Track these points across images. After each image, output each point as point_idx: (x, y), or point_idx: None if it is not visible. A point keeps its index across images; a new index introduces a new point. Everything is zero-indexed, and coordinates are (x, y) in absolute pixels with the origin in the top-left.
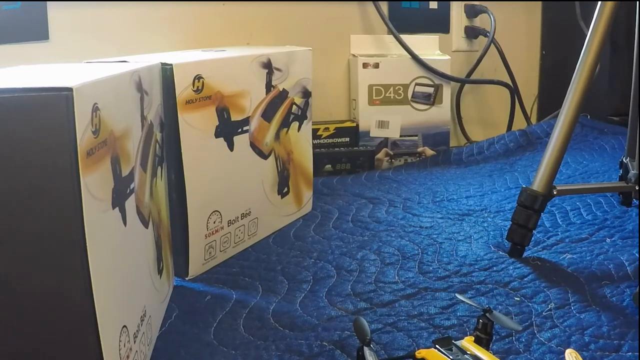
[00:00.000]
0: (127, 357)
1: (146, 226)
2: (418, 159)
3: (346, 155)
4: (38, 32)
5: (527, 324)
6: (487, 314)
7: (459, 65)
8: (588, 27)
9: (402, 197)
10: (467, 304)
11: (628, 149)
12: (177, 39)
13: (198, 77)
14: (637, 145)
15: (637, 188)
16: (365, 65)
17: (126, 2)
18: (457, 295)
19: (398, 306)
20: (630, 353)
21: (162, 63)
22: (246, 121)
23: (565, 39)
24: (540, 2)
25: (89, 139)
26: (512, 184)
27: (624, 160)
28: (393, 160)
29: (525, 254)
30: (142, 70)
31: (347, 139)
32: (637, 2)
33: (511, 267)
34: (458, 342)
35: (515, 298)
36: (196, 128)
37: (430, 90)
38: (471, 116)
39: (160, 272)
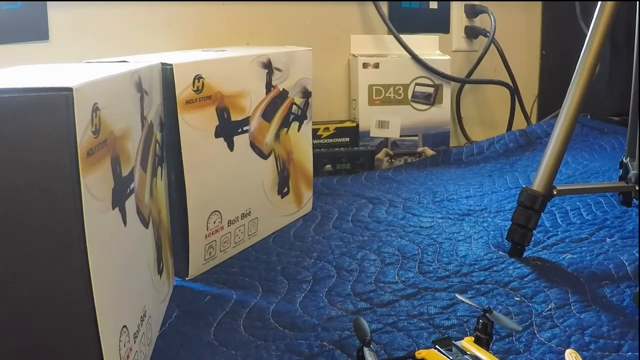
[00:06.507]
0: (127, 357)
1: (146, 226)
2: (418, 159)
3: (346, 155)
4: (38, 32)
5: (527, 324)
6: (487, 314)
7: (459, 65)
8: (588, 27)
9: (402, 197)
10: (467, 304)
11: (628, 149)
12: (177, 39)
13: (198, 77)
14: (637, 145)
15: (637, 188)
16: (365, 65)
17: (126, 2)
18: (457, 295)
19: (398, 306)
20: (630, 353)
21: (162, 63)
22: (246, 121)
23: (565, 39)
24: (540, 2)
25: (89, 139)
26: (512, 184)
27: (624, 160)
28: (393, 160)
29: (525, 254)
30: (142, 70)
31: (347, 139)
32: (637, 2)
33: (511, 267)
34: (458, 343)
35: (515, 298)
36: (196, 128)
37: (430, 90)
38: (471, 116)
39: (160, 272)
